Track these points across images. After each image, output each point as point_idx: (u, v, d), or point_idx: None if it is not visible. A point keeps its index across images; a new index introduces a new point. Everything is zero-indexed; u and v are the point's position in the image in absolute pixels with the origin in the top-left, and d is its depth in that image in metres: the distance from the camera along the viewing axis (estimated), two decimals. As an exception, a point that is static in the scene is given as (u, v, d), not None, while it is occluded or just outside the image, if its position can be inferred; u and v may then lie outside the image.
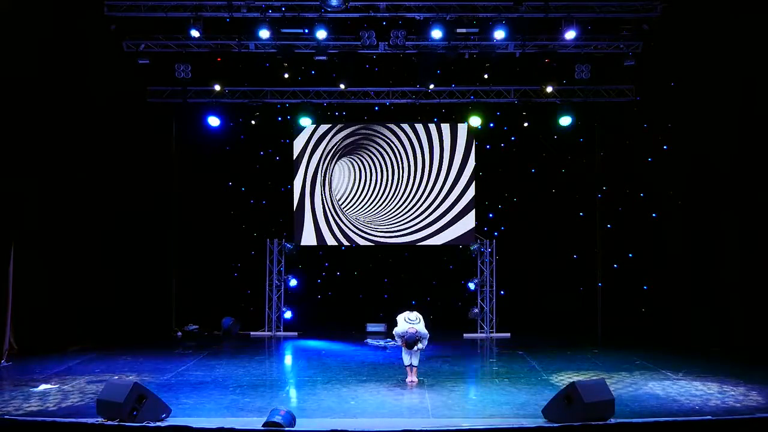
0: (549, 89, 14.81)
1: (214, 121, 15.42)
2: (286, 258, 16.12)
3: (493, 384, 10.68)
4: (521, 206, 16.33)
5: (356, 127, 16.23)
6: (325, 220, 16.11)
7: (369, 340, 14.94)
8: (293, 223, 16.14)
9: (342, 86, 14.84)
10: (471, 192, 16.01)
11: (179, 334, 15.78)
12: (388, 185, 16.14)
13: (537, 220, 16.14)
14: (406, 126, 16.14)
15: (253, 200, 16.54)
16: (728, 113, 13.13)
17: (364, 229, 16.09)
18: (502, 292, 16.09)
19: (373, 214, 16.11)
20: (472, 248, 15.85)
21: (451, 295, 16.35)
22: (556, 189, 16.19)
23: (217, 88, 14.89)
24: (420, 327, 10.40)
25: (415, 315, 10.60)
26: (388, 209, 16.11)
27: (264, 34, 13.62)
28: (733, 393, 9.73)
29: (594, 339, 15.17)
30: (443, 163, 16.08)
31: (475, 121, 15.50)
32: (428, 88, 15.17)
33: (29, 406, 9.00)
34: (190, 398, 9.56)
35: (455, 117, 16.10)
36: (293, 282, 16.28)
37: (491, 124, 16.15)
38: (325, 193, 16.17)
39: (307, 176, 16.17)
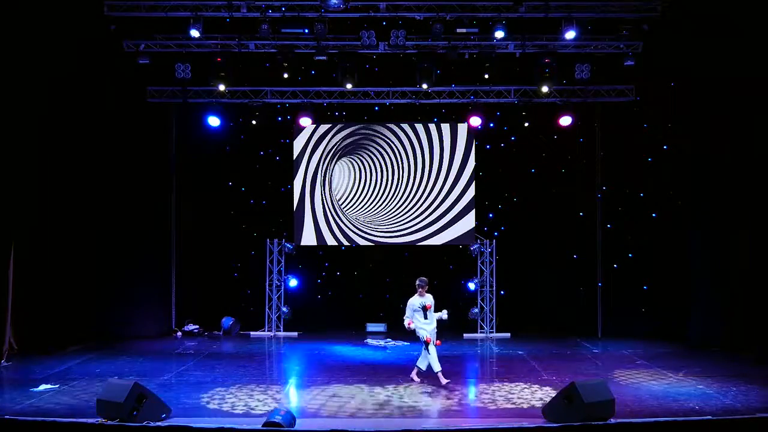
0: (544, 89, 14.67)
1: (214, 121, 15.40)
2: (286, 258, 16.12)
3: (494, 384, 10.69)
4: (521, 206, 16.30)
5: (356, 127, 16.22)
6: (325, 220, 16.10)
7: (369, 340, 14.95)
8: (293, 223, 16.13)
9: (349, 86, 14.59)
10: (471, 192, 16.00)
11: (179, 334, 15.77)
12: (388, 185, 16.13)
13: (537, 220, 16.11)
14: (406, 126, 16.13)
15: (253, 200, 16.52)
16: (727, 112, 13.13)
17: (364, 229, 16.08)
18: (502, 292, 16.08)
19: (373, 214, 16.10)
20: (472, 248, 15.84)
21: (451, 295, 16.32)
22: (556, 189, 16.16)
23: (222, 87, 14.72)
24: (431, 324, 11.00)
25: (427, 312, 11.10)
26: (388, 209, 16.10)
27: (264, 33, 13.60)
28: (733, 393, 9.75)
29: (594, 339, 15.17)
30: (443, 163, 16.07)
31: (475, 121, 15.46)
32: (422, 88, 14.96)
33: (29, 406, 9.00)
34: (190, 398, 9.57)
35: (455, 117, 16.09)
36: (293, 282, 16.27)
37: (491, 124, 16.13)
38: (325, 193, 16.16)
39: (307, 176, 16.16)
